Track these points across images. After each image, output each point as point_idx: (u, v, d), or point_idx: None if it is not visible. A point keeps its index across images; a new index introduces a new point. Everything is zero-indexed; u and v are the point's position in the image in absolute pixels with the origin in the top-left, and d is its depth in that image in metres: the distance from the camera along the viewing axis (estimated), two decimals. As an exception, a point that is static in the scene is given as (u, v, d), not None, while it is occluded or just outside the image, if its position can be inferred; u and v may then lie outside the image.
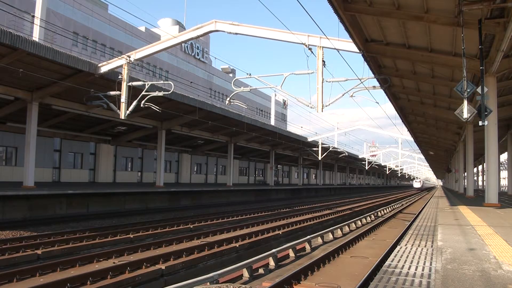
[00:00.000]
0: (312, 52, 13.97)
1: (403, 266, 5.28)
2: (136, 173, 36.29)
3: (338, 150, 50.96)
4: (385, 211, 25.07)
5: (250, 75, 17.00)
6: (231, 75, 58.92)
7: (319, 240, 13.43)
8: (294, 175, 70.56)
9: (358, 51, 13.80)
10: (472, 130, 23.07)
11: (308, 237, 12.47)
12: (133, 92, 17.90)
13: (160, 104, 19.72)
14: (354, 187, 75.62)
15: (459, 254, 5.67)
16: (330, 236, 14.58)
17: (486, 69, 12.28)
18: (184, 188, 28.77)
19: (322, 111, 14.26)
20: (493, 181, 14.37)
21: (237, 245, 11.96)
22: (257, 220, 18.36)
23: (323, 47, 13.96)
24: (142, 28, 42.10)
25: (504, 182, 48.57)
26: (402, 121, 28.43)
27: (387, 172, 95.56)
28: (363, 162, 66.90)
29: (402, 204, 32.54)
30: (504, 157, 40.17)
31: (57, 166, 29.04)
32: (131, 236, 13.30)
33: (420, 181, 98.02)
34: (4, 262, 9.40)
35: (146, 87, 18.10)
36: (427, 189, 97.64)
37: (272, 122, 58.23)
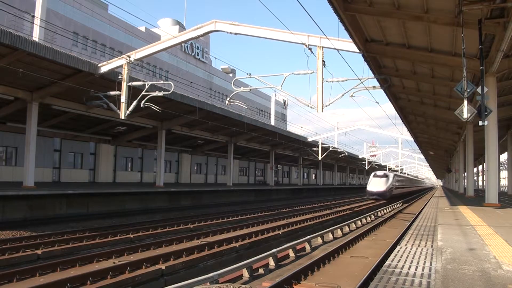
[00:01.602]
0: (312, 52, 13.98)
1: (403, 266, 5.28)
2: (136, 173, 36.27)
3: (338, 150, 50.96)
4: (385, 211, 25.06)
5: (250, 75, 17.00)
6: (231, 75, 58.91)
7: (319, 240, 13.43)
8: (294, 175, 70.55)
9: (358, 51, 13.80)
10: (472, 130, 23.07)
11: (308, 237, 12.47)
12: (133, 92, 17.90)
13: (160, 104, 19.72)
14: (354, 187, 75.60)
15: (459, 254, 5.67)
16: (330, 236, 14.57)
17: (486, 69, 12.28)
18: (184, 188, 28.76)
19: (322, 111, 14.26)
20: (493, 181, 14.37)
21: (237, 245, 11.96)
22: (257, 220, 18.36)
23: (323, 47, 13.96)
24: (142, 28, 42.08)
25: (504, 182, 48.57)
26: (402, 121, 28.44)
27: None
28: (363, 162, 66.90)
29: (402, 204, 32.54)
30: (504, 157, 40.17)
31: (57, 166, 29.02)
32: (131, 236, 13.30)
33: (384, 177, 36.91)
34: (4, 262, 9.40)
35: (146, 87, 18.10)
36: (410, 195, 49.94)
37: (272, 122, 58.21)
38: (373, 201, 36.17)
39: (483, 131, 13.83)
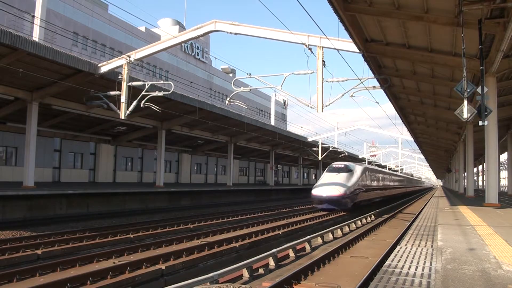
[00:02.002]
0: (312, 52, 13.98)
1: (403, 266, 5.28)
2: (136, 173, 36.27)
3: (338, 150, 50.94)
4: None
5: (250, 75, 17.01)
6: (231, 75, 58.91)
7: (319, 240, 13.43)
8: (294, 175, 70.52)
9: (358, 51, 13.81)
10: (472, 130, 23.08)
11: (308, 237, 12.47)
12: (133, 92, 17.89)
13: (160, 104, 19.71)
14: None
15: (459, 254, 5.67)
16: (330, 236, 14.57)
17: (486, 69, 12.28)
18: (184, 188, 28.76)
19: (322, 111, 14.27)
20: (493, 181, 14.37)
21: (237, 245, 11.95)
22: (257, 220, 18.35)
23: (323, 47, 13.97)
24: (142, 28, 42.08)
25: (504, 182, 48.56)
26: (402, 121, 28.43)
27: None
28: (363, 162, 66.86)
29: (402, 203, 32.52)
30: (504, 157, 40.18)
31: (57, 166, 29.02)
32: (131, 236, 13.29)
33: (344, 171, 23.49)
34: (4, 262, 9.39)
35: (146, 87, 18.09)
36: (398, 198, 38.75)
37: (272, 122, 58.18)
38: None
39: (483, 131, 13.84)
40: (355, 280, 8.00)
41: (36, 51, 14.91)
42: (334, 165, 24.90)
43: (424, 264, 5.40)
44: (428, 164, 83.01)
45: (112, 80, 17.71)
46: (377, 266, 8.74)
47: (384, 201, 32.52)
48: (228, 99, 18.21)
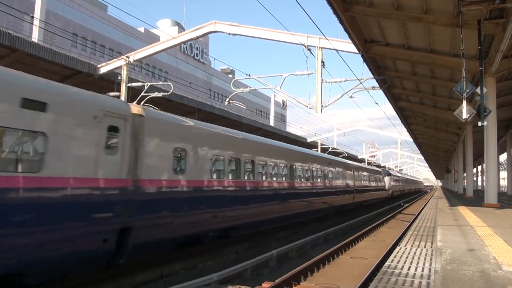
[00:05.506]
0: (311, 52, 14.00)
1: (403, 266, 5.29)
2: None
3: (338, 150, 50.92)
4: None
5: (249, 76, 17.02)
6: (230, 75, 58.93)
7: (319, 240, 13.42)
8: (293, 176, 70.30)
9: (357, 51, 13.82)
10: (471, 131, 23.08)
11: (308, 237, 12.47)
12: (133, 93, 17.87)
13: (159, 105, 19.57)
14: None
15: (459, 254, 5.67)
16: (330, 237, 14.56)
17: (486, 69, 12.29)
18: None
19: (321, 112, 14.29)
20: (492, 181, 14.38)
21: (236, 245, 11.94)
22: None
23: (322, 47, 13.98)
24: (142, 29, 42.11)
25: (503, 183, 48.58)
26: (402, 122, 28.45)
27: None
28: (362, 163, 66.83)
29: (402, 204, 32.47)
30: (503, 157, 40.21)
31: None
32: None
33: None
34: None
35: (146, 88, 18.09)
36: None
37: (272, 123, 58.16)
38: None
39: (483, 132, 13.84)
40: (355, 281, 8.00)
41: (36, 52, 14.90)
42: None
43: (424, 264, 5.40)
44: (427, 165, 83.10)
45: (111, 81, 17.69)
46: (376, 267, 8.73)
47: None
48: (227, 99, 18.22)
